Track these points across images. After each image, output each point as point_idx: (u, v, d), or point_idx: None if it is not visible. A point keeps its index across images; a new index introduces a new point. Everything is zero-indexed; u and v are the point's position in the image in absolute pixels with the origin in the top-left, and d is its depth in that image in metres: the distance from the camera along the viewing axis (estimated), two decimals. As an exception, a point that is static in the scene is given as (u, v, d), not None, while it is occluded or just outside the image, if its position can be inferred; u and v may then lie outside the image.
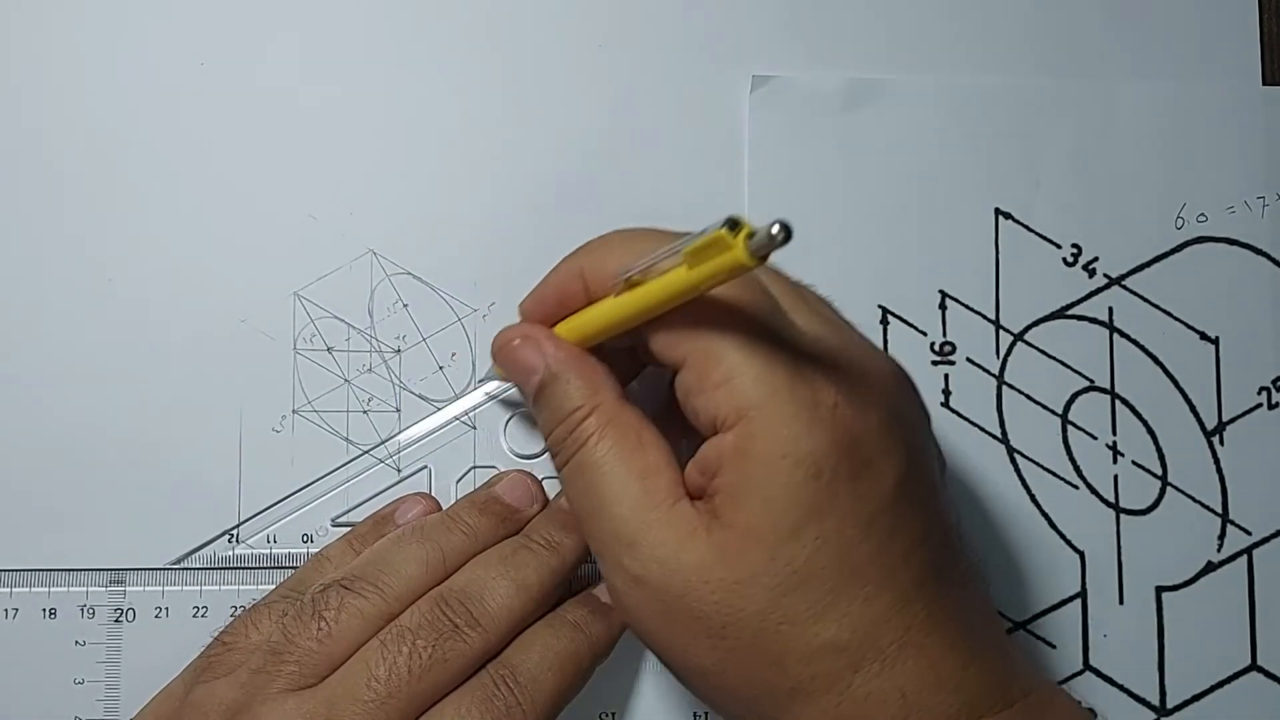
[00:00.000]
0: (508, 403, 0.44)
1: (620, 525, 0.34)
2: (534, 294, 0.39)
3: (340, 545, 0.41)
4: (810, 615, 0.32)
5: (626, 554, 0.34)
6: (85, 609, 0.42)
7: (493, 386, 0.44)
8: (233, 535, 0.43)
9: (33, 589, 0.42)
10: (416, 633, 0.36)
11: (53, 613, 0.42)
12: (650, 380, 0.42)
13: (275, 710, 0.35)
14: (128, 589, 0.42)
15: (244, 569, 0.43)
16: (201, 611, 0.42)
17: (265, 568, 0.43)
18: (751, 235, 0.28)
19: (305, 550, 0.43)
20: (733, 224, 0.29)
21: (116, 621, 0.42)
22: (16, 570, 0.42)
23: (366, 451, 0.43)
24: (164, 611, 0.42)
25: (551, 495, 0.42)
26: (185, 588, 0.42)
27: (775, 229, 0.28)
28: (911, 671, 0.33)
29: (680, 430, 0.36)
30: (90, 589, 0.42)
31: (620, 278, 0.34)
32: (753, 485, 0.32)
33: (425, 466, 0.44)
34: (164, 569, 0.42)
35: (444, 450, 0.44)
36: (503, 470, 0.43)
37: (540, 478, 0.43)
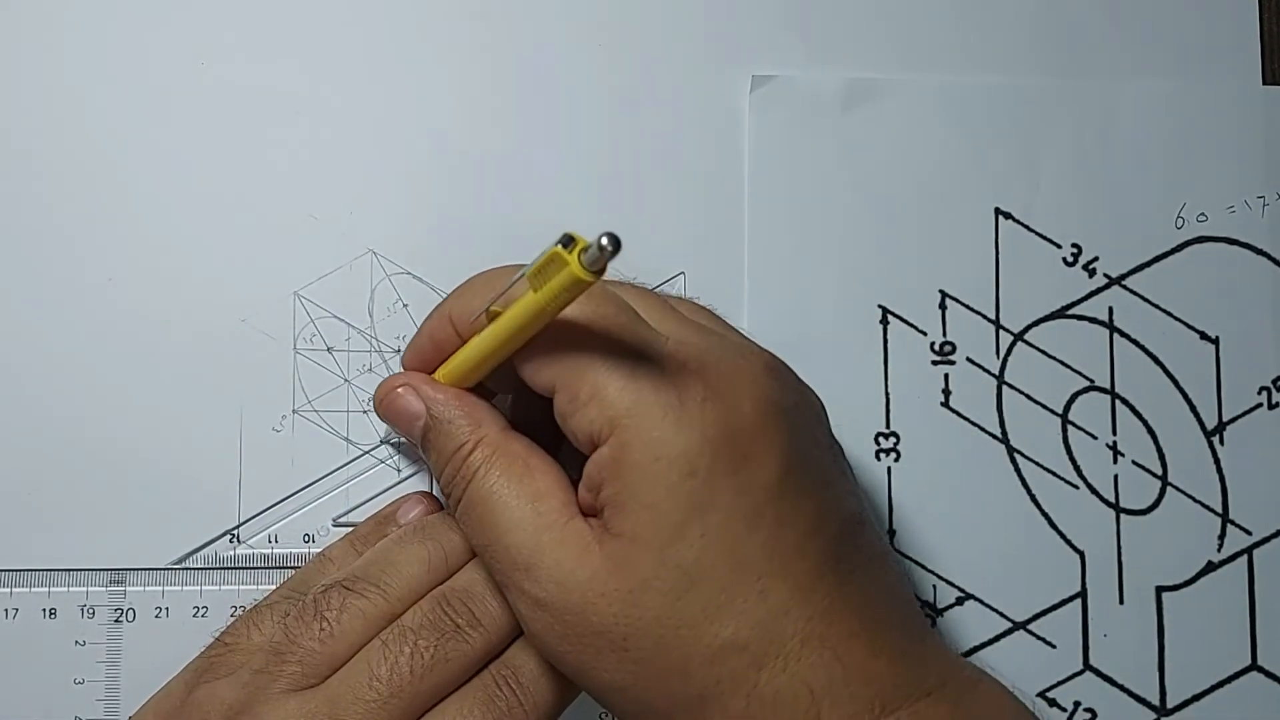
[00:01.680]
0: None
1: (516, 552, 0.34)
2: (411, 344, 0.40)
3: (342, 545, 0.41)
4: (706, 616, 0.32)
5: (525, 579, 0.34)
6: (85, 609, 0.42)
7: (395, 436, 0.44)
8: (234, 535, 0.43)
9: (33, 589, 0.42)
10: (419, 633, 0.36)
11: (53, 613, 0.42)
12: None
13: (278, 710, 0.35)
14: (128, 589, 0.42)
15: (244, 569, 0.43)
16: (202, 611, 0.42)
17: (266, 568, 0.43)
18: (585, 250, 0.29)
19: (307, 550, 0.43)
20: (567, 240, 0.29)
21: (116, 621, 0.42)
22: (16, 570, 0.42)
23: (367, 452, 0.43)
24: (164, 611, 0.42)
25: None
26: (185, 588, 0.42)
27: (605, 240, 0.28)
28: (816, 665, 0.32)
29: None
30: (90, 589, 0.42)
31: (481, 312, 0.35)
32: (633, 492, 0.32)
33: (426, 466, 0.44)
34: (164, 569, 0.42)
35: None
36: None
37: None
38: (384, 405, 0.39)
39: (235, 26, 0.44)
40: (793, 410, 0.35)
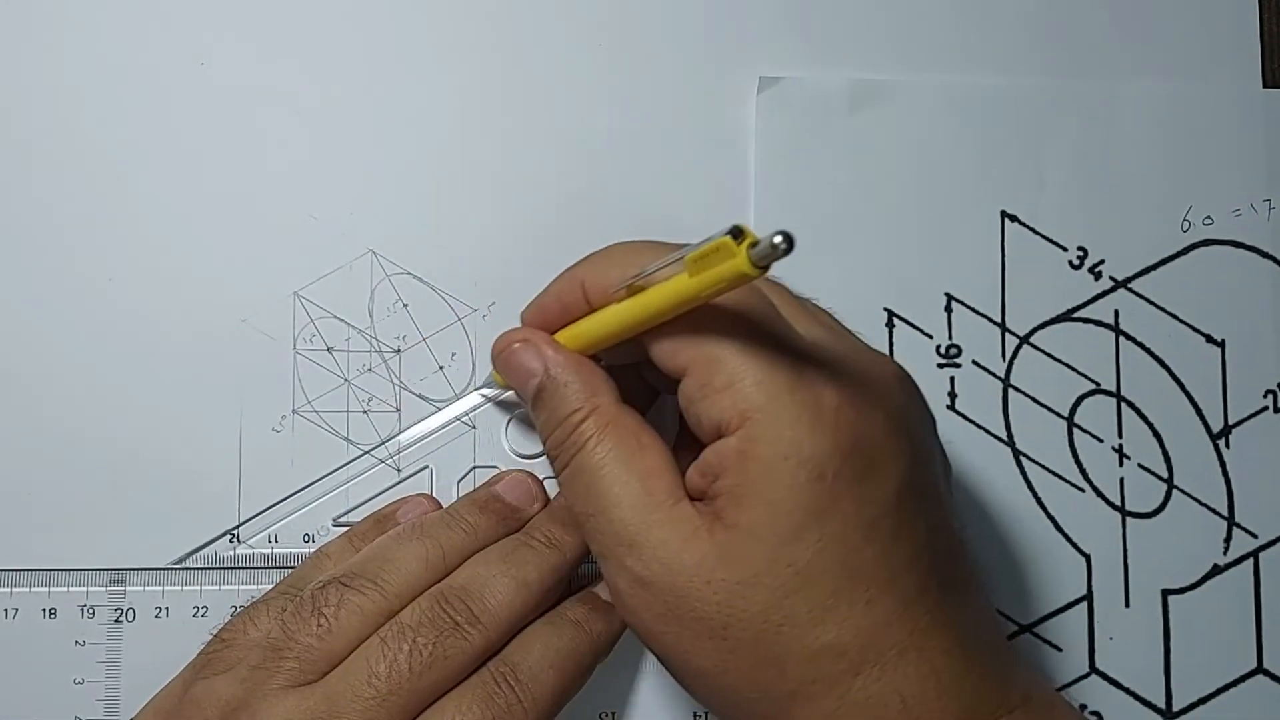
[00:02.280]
0: (508, 404, 0.44)
1: (621, 527, 0.34)
2: (535, 302, 0.39)
3: (340, 542, 0.41)
4: (811, 618, 0.32)
5: (629, 555, 0.34)
6: (85, 609, 0.42)
7: (491, 391, 0.43)
8: (234, 535, 0.43)
9: (33, 589, 0.42)
10: (417, 630, 0.36)
11: (53, 613, 0.42)
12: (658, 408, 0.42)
13: (275, 707, 0.35)
14: (128, 589, 0.42)
15: (244, 569, 0.43)
16: (201, 611, 0.42)
17: (266, 568, 0.43)
18: (755, 244, 0.28)
19: (306, 550, 0.43)
20: (736, 232, 0.29)
21: (116, 621, 0.42)
22: (16, 570, 0.42)
23: (367, 452, 0.43)
24: (164, 611, 0.42)
25: (552, 495, 0.42)
26: (185, 588, 0.42)
27: (778, 239, 0.27)
28: (911, 676, 0.32)
29: (688, 449, 0.36)
30: (90, 589, 0.42)
31: (622, 285, 0.34)
32: (756, 487, 0.32)
33: (426, 466, 0.44)
34: (164, 569, 0.42)
35: (445, 450, 0.44)
36: (504, 470, 0.43)
37: (541, 478, 0.42)
38: (501, 357, 0.38)
39: (235, 26, 0.44)
40: (917, 425, 0.35)
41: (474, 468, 0.44)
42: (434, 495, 0.43)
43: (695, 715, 0.44)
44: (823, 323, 0.36)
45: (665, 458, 0.35)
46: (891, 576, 0.33)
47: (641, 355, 0.35)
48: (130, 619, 0.42)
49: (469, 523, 0.40)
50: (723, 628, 0.33)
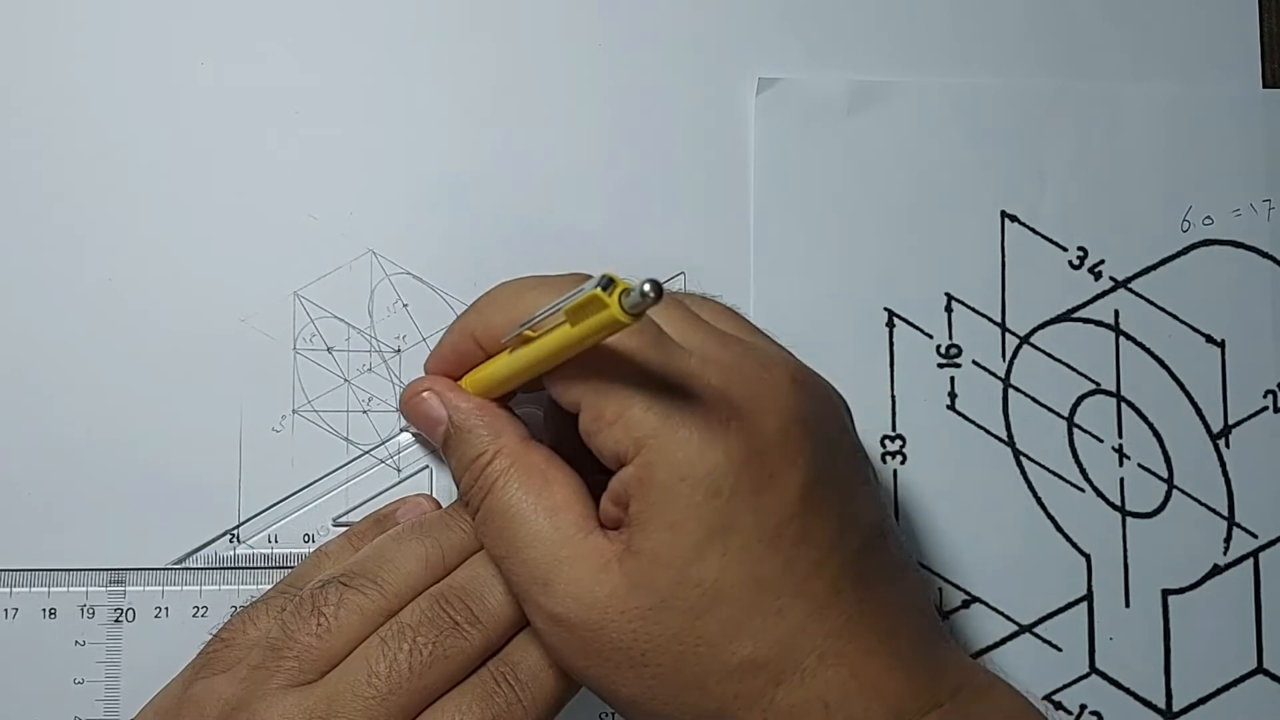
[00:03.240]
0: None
1: (534, 567, 0.34)
2: (434, 354, 0.40)
3: (339, 542, 0.41)
4: (725, 635, 0.32)
5: (543, 594, 0.34)
6: (85, 609, 0.42)
7: (415, 430, 0.43)
8: (234, 535, 0.43)
9: (32, 589, 0.42)
10: (417, 629, 0.36)
11: (53, 613, 0.42)
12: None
13: (275, 706, 0.35)
14: (128, 589, 0.42)
15: (244, 569, 0.43)
16: (201, 611, 0.42)
17: (266, 568, 0.43)
18: (626, 293, 0.29)
19: (306, 550, 0.43)
20: (607, 283, 0.29)
21: (116, 621, 0.42)
22: (16, 570, 0.42)
23: (367, 452, 0.43)
24: (164, 611, 0.42)
25: None
26: (185, 588, 0.42)
27: (647, 288, 0.28)
28: (832, 681, 0.33)
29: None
30: (90, 589, 0.42)
31: (512, 333, 0.35)
32: (656, 511, 0.33)
33: (426, 466, 0.44)
34: (164, 569, 0.42)
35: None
36: None
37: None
38: (408, 407, 0.40)
39: (236, 26, 0.44)
40: (818, 423, 0.35)
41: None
42: (434, 495, 0.43)
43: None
44: (714, 331, 0.35)
45: (574, 491, 0.35)
46: (800, 582, 0.33)
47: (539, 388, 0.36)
48: (130, 619, 0.42)
49: (468, 523, 0.39)
50: (641, 655, 0.33)
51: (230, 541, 0.43)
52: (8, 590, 0.42)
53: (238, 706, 0.36)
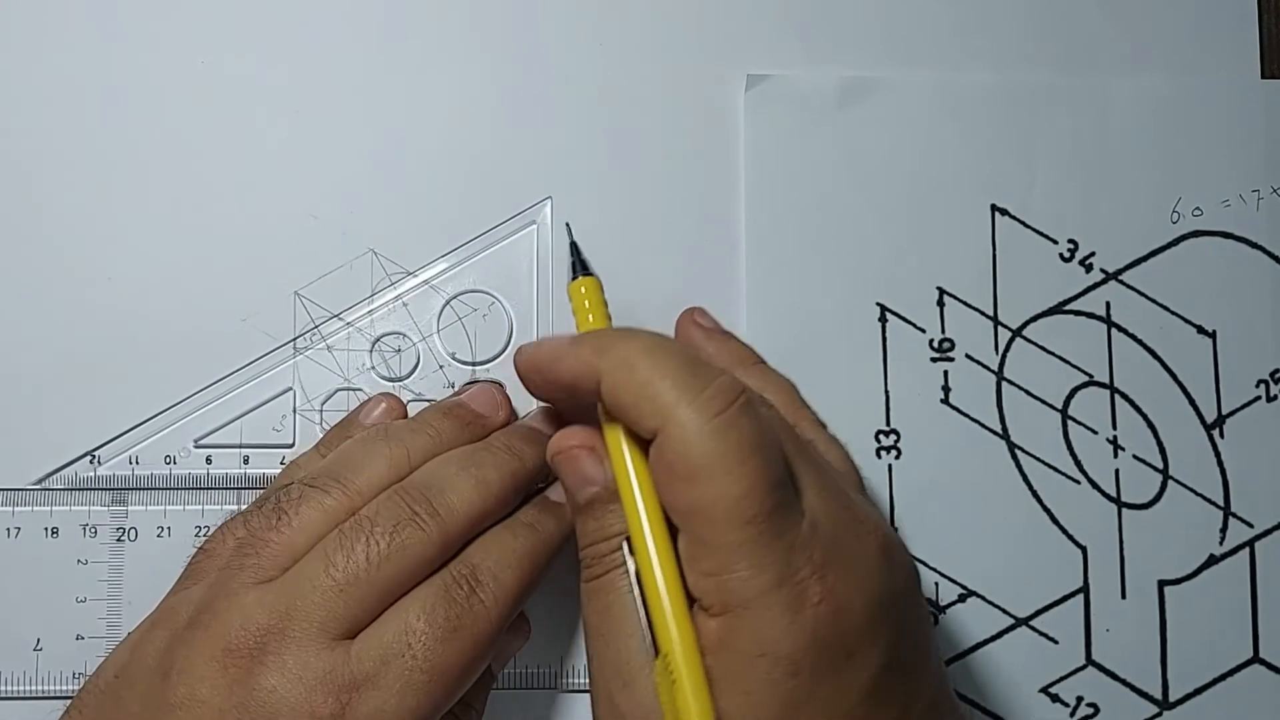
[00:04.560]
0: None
1: (623, 660, 0.34)
2: (543, 368, 0.36)
3: (310, 453, 0.42)
4: None
5: (620, 691, 0.34)
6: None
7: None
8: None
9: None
10: (375, 521, 0.36)
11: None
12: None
13: (237, 602, 0.36)
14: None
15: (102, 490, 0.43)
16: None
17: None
18: None
19: (166, 471, 0.43)
20: None
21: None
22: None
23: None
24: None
25: (518, 409, 0.43)
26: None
27: None
28: None
29: None
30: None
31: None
32: (733, 677, 0.32)
33: (288, 388, 0.44)
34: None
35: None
36: (472, 380, 0.44)
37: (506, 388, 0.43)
38: (562, 457, 0.37)
39: (236, 26, 0.44)
40: (900, 599, 0.34)
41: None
42: (396, 395, 0.43)
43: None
44: (823, 481, 0.34)
45: (683, 606, 0.34)
46: None
47: None
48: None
49: (434, 428, 0.40)
50: None
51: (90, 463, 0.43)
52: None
53: (203, 608, 0.36)
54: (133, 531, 0.43)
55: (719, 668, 0.32)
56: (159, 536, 0.43)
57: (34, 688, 0.42)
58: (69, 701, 0.37)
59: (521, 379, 0.37)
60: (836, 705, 0.32)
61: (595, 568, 0.35)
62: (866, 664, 0.32)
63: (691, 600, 0.33)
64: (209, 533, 0.39)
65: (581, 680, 0.43)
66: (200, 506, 0.43)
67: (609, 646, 0.34)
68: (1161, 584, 0.45)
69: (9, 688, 0.42)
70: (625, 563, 0.34)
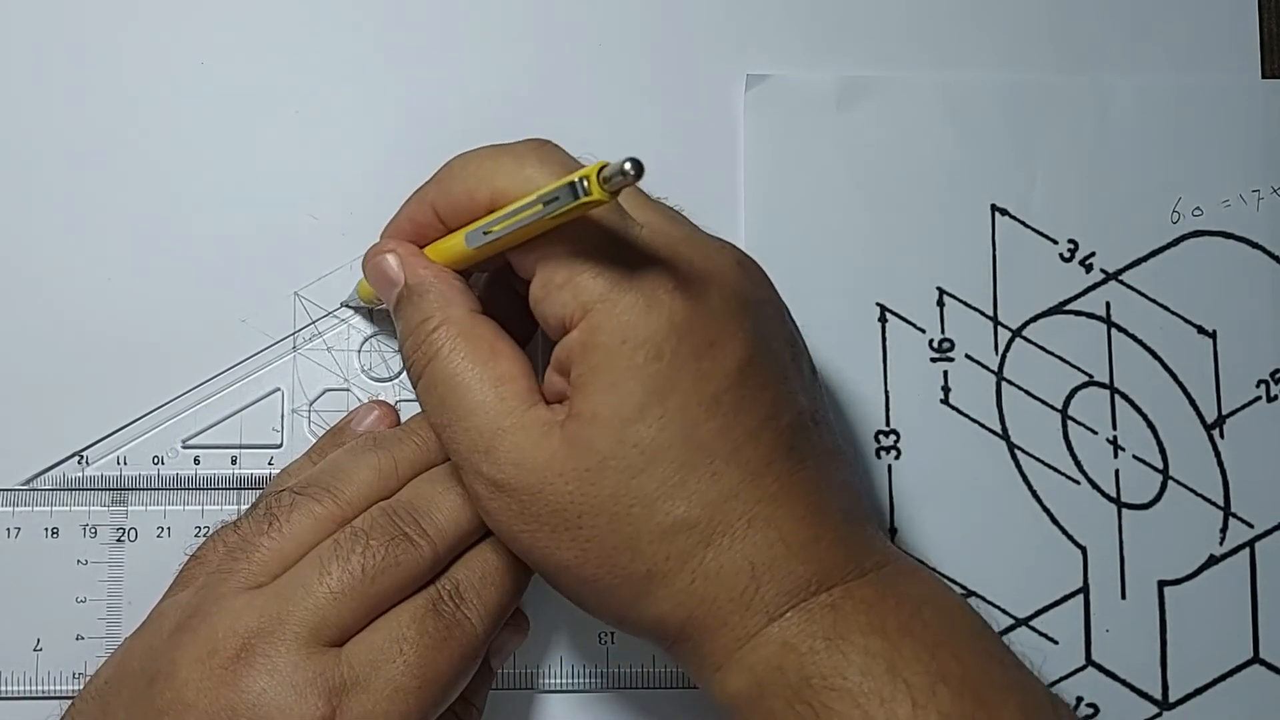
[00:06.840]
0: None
1: (476, 435, 0.35)
2: (391, 224, 0.40)
3: (300, 460, 0.42)
4: (660, 494, 0.33)
5: (484, 461, 0.35)
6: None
7: (354, 303, 0.44)
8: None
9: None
10: (370, 533, 0.37)
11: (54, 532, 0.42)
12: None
13: (227, 608, 0.36)
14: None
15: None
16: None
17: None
18: (607, 175, 0.30)
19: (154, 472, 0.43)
20: (581, 180, 0.30)
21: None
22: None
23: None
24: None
25: None
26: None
27: (629, 166, 0.29)
28: (760, 544, 0.33)
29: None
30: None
31: (481, 233, 0.35)
32: (597, 373, 0.33)
33: (277, 389, 0.44)
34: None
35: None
36: None
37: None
38: (369, 266, 0.39)
39: (236, 26, 0.44)
40: (758, 304, 0.35)
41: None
42: (389, 403, 0.44)
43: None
44: (665, 210, 0.36)
45: (520, 364, 0.36)
46: (735, 448, 0.33)
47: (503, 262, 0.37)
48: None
49: (421, 437, 0.40)
50: (576, 517, 0.34)
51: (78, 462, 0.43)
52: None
53: (191, 612, 0.36)
54: (133, 532, 0.43)
55: (585, 372, 0.33)
56: (159, 537, 0.43)
57: (34, 688, 0.42)
58: (69, 702, 0.37)
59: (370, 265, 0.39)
60: (702, 391, 0.33)
61: (419, 360, 0.37)
62: (728, 353, 0.33)
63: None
64: (208, 533, 0.39)
65: (582, 681, 0.44)
66: (200, 507, 0.43)
67: (459, 429, 0.35)
68: (1161, 584, 0.45)
69: (9, 688, 0.42)
70: (442, 341, 0.36)
